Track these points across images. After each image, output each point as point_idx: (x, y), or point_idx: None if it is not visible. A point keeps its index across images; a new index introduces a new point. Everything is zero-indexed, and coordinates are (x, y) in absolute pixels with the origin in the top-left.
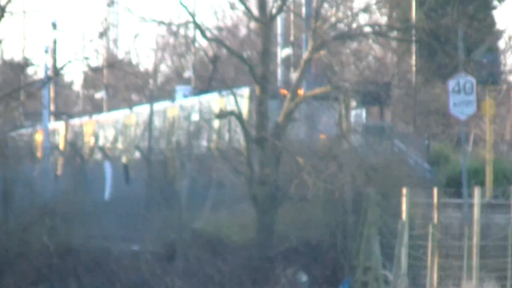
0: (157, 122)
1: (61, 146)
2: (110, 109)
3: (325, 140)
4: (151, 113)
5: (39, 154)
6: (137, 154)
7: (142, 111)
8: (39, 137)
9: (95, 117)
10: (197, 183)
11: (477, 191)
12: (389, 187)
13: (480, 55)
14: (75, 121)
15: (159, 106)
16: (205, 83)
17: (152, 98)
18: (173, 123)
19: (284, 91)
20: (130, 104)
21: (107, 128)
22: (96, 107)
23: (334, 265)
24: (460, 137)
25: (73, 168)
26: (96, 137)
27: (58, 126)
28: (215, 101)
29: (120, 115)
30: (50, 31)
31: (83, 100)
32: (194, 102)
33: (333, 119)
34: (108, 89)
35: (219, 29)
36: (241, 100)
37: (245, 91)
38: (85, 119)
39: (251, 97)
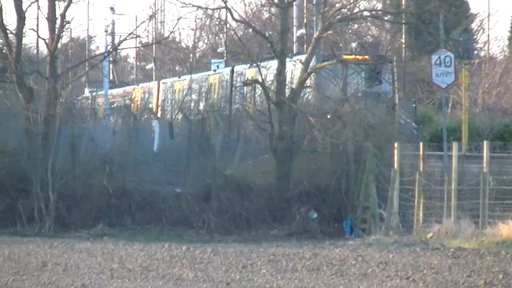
0: (197, 88)
1: (155, 104)
2: (158, 78)
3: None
4: (191, 81)
5: (100, 113)
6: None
7: (186, 79)
8: (137, 93)
9: (147, 84)
10: (228, 138)
11: (455, 145)
12: (383, 142)
13: (457, 34)
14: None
15: (198, 75)
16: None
17: (191, 69)
18: (209, 89)
19: (345, 56)
20: (175, 74)
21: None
22: (147, 76)
23: (339, 205)
24: (441, 101)
25: (127, 125)
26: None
27: (151, 85)
28: (243, 71)
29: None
30: (109, 14)
31: (136, 70)
32: (226, 72)
33: (338, 87)
34: (156, 61)
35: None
36: (266, 71)
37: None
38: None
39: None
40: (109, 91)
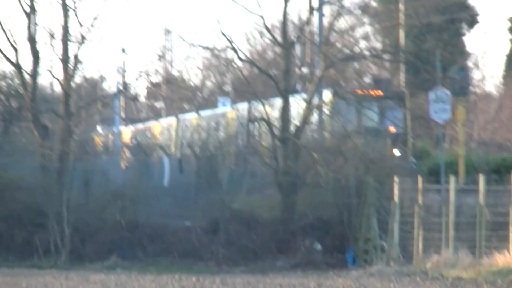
0: (205, 125)
1: (173, 141)
2: (167, 115)
3: (333, 138)
4: (200, 119)
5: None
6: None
7: (193, 117)
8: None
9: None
10: (235, 173)
11: (452, 179)
12: (384, 176)
13: (453, 72)
14: (140, 126)
15: (208, 112)
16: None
17: (199, 107)
18: (216, 127)
19: (359, 91)
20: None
21: (165, 131)
22: (156, 114)
23: (341, 236)
24: (438, 137)
25: (139, 161)
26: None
27: (171, 121)
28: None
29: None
30: (120, 55)
31: (146, 108)
32: (233, 110)
33: (340, 123)
34: (165, 99)
35: (251, 53)
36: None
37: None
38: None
39: (331, 101)
40: (131, 126)
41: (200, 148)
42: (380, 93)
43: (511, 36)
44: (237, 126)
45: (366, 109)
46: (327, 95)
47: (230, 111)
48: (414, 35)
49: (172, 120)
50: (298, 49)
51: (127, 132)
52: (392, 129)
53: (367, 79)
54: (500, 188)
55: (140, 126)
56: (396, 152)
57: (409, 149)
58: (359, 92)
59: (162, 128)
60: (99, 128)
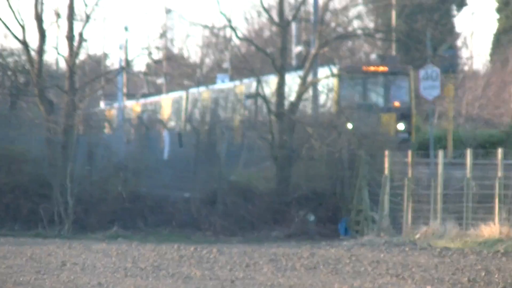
0: (205, 100)
1: (183, 114)
2: (168, 91)
3: (327, 113)
4: (199, 95)
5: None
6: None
7: (193, 92)
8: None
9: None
10: (233, 146)
11: (440, 153)
12: (375, 150)
13: (443, 51)
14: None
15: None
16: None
17: (199, 83)
18: (216, 102)
19: (366, 68)
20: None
21: (175, 104)
22: (157, 90)
23: (334, 208)
24: (428, 112)
25: (140, 135)
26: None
27: (180, 95)
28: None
29: (176, 95)
30: (123, 32)
31: (147, 84)
32: (231, 86)
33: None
34: (166, 76)
35: (249, 31)
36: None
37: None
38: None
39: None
40: (141, 100)
41: (199, 123)
42: (385, 69)
43: (499, 16)
44: (221, 103)
45: (373, 85)
46: (324, 72)
47: (239, 85)
48: (406, 15)
49: (182, 94)
50: (294, 28)
51: (136, 106)
52: (397, 104)
53: (373, 56)
54: (487, 162)
55: (150, 99)
56: (401, 126)
57: (414, 123)
58: (366, 68)
59: (172, 101)
60: (102, 104)
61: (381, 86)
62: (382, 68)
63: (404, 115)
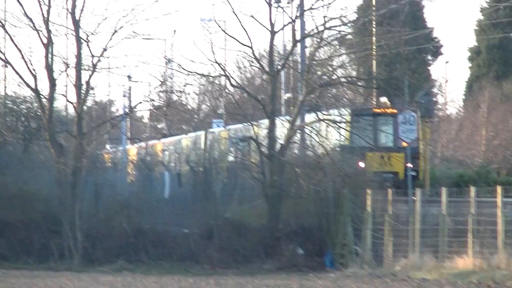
0: (201, 144)
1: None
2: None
3: (314, 156)
4: (196, 138)
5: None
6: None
7: (191, 136)
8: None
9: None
10: (227, 185)
11: (418, 191)
12: (358, 189)
13: (419, 97)
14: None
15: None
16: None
17: (196, 128)
18: (211, 145)
19: (376, 110)
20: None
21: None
22: (159, 134)
23: (321, 242)
24: (406, 154)
25: (143, 175)
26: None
27: (199, 135)
28: (239, 130)
29: (174, 139)
30: (126, 81)
31: (150, 129)
32: (225, 130)
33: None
34: (167, 121)
35: (242, 79)
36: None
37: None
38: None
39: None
40: (162, 140)
41: (196, 164)
42: (395, 111)
43: (471, 64)
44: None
45: (383, 126)
46: (309, 117)
47: (223, 131)
48: (385, 64)
49: (200, 134)
50: (283, 76)
51: (132, 150)
52: (405, 144)
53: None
54: (460, 200)
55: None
56: (410, 165)
57: (421, 163)
58: (375, 110)
59: (191, 141)
60: (108, 147)
61: (390, 126)
62: (391, 110)
63: (412, 155)
